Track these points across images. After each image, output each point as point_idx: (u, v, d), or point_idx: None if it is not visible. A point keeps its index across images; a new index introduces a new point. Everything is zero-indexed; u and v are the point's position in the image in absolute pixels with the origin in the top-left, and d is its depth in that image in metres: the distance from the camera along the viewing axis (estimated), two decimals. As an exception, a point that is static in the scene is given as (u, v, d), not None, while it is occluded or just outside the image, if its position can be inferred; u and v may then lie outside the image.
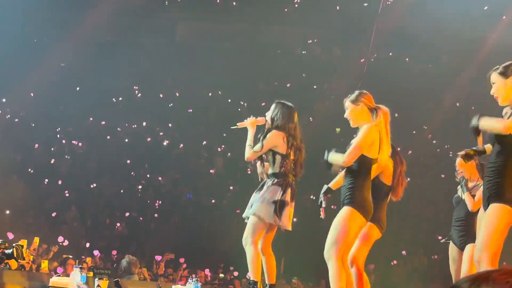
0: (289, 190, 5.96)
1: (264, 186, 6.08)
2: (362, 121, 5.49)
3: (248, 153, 6.05)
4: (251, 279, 5.96)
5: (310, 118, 19.28)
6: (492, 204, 4.27)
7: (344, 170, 5.41)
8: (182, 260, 13.78)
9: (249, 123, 6.17)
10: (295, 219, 6.62)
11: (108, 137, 19.23)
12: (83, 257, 12.24)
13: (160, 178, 18.27)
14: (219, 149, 19.26)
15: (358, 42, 19.88)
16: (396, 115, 19.93)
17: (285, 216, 5.93)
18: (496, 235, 4.20)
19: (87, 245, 14.83)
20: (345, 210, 5.21)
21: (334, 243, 5.12)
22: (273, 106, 6.21)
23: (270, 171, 6.09)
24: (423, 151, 19.16)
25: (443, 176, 17.34)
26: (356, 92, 5.65)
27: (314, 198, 16.53)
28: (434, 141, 19.81)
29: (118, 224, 16.56)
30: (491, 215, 4.25)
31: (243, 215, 6.11)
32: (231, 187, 17.93)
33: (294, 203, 6.07)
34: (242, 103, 20.58)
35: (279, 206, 5.89)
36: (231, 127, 6.47)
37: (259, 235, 5.94)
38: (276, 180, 5.96)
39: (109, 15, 19.77)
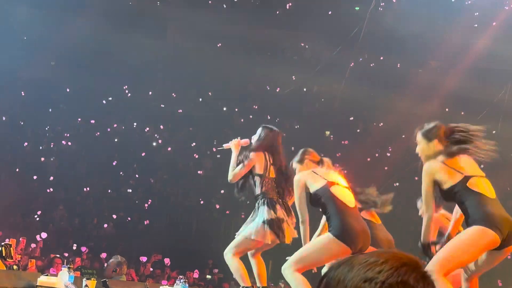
0: (278, 207, 5.99)
1: (257, 210, 6.16)
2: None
3: (231, 174, 6.11)
4: (242, 285, 6.00)
5: (296, 123, 19.31)
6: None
7: None
8: (167, 261, 13.75)
9: (234, 145, 6.23)
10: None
11: (97, 134, 19.19)
12: (66, 254, 12.22)
13: (149, 179, 18.25)
14: (208, 151, 19.26)
15: (349, 46, 19.92)
16: (386, 119, 20.10)
17: (284, 232, 5.98)
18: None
19: (74, 245, 14.78)
20: None
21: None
22: (259, 129, 6.27)
23: (255, 193, 6.17)
24: (411, 156, 19.21)
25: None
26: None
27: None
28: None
29: (106, 225, 16.52)
30: None
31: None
32: (222, 191, 17.93)
33: (293, 214, 6.07)
34: (232, 104, 20.59)
35: (276, 225, 5.92)
36: (218, 148, 6.57)
37: (243, 251, 6.01)
38: (261, 201, 6.02)
39: (100, 15, 19.75)
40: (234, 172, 6.08)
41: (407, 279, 1.36)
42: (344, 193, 5.37)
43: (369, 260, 1.39)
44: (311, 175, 5.38)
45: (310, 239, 5.53)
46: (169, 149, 19.32)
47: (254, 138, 6.25)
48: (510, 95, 17.11)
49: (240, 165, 6.08)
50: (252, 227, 5.91)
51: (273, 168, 6.08)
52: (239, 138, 6.36)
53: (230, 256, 5.95)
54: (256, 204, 6.07)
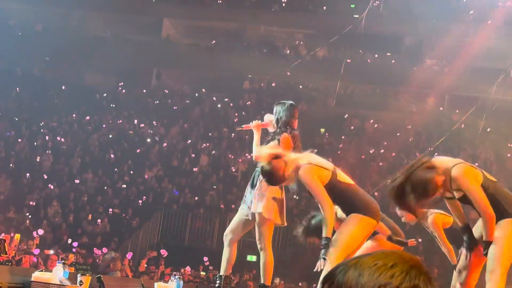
0: (283, 188, 5.94)
1: (257, 181, 5.99)
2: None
3: (258, 152, 5.94)
4: (262, 283, 5.95)
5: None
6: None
7: None
8: (164, 256, 13.74)
9: (254, 126, 6.12)
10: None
11: (92, 130, 19.17)
12: (60, 251, 12.20)
13: (143, 175, 18.24)
14: (203, 147, 19.26)
15: (344, 43, 19.95)
16: (381, 117, 20.13)
17: (284, 213, 5.93)
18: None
19: (69, 240, 14.76)
20: None
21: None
22: (274, 108, 6.15)
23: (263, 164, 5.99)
24: (405, 153, 19.26)
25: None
26: None
27: (297, 198, 16.58)
28: (416, 143, 19.93)
29: (99, 220, 16.50)
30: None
31: (242, 212, 6.02)
32: (214, 186, 17.94)
33: None
34: (226, 101, 20.59)
35: (281, 205, 5.87)
36: (237, 128, 6.45)
37: (271, 235, 5.92)
38: None
39: (95, 11, 19.73)
40: (263, 153, 5.89)
41: (418, 283, 1.40)
42: (342, 174, 5.37)
43: (378, 264, 1.41)
44: (317, 168, 5.30)
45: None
46: (164, 145, 19.32)
47: (274, 118, 6.09)
48: (502, 92, 17.13)
49: (272, 144, 5.88)
50: (263, 205, 5.75)
51: (295, 149, 5.95)
52: (257, 120, 6.24)
53: (265, 248, 5.87)
54: (262, 176, 5.90)
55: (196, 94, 20.73)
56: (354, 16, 19.13)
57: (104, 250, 12.68)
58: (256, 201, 5.83)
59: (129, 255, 12.44)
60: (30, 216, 15.81)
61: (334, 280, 1.43)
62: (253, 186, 5.95)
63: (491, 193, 4.56)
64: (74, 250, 13.23)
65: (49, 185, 17.09)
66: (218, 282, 6.04)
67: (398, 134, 19.71)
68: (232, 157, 18.56)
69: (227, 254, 6.02)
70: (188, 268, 13.29)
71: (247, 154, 17.49)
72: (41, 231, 13.15)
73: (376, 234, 5.84)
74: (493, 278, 4.48)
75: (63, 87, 19.43)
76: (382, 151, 18.45)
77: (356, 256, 1.47)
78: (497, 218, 4.55)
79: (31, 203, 16.32)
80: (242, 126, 6.35)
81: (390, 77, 19.07)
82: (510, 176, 18.23)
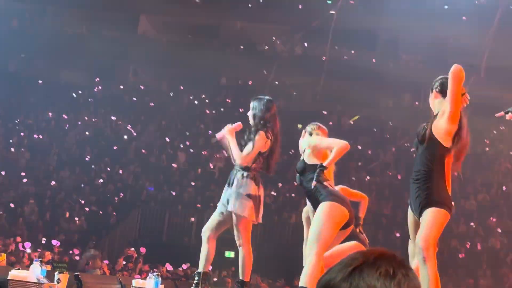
0: (261, 185, 5.94)
1: (234, 179, 5.99)
2: None
3: (239, 158, 5.90)
4: (240, 279, 5.98)
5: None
6: (427, 209, 4.47)
7: None
8: (142, 254, 13.71)
9: (227, 132, 6.05)
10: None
11: (69, 128, 19.05)
12: (37, 248, 12.14)
13: (120, 172, 18.17)
14: (181, 145, 19.22)
15: (321, 39, 20.01)
16: (359, 113, 20.23)
17: (260, 211, 5.94)
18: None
19: (45, 239, 14.66)
20: None
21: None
22: (251, 103, 6.11)
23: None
24: (382, 149, 19.40)
25: (399, 176, 17.61)
26: None
27: (275, 194, 16.62)
28: (393, 138, 20.08)
29: (77, 219, 16.41)
30: (429, 219, 4.49)
31: (219, 210, 6.02)
32: (192, 183, 17.92)
33: None
34: (203, 98, 20.55)
35: (258, 203, 5.87)
36: (212, 141, 6.44)
37: (249, 232, 5.93)
38: (247, 173, 5.86)
39: (70, 7, 19.58)
40: (244, 154, 5.88)
41: (407, 272, 1.49)
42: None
43: (381, 271, 1.48)
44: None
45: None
46: (141, 142, 19.27)
47: (250, 114, 6.05)
48: (476, 88, 17.30)
49: (249, 145, 5.87)
50: (239, 204, 5.74)
51: (272, 145, 5.94)
52: (228, 124, 6.18)
53: (244, 245, 5.89)
54: (239, 174, 5.90)
55: (172, 92, 20.67)
56: (331, 12, 19.20)
57: (82, 248, 12.63)
58: (233, 199, 5.85)
59: (105, 262, 12.32)
60: (7, 214, 15.67)
61: (333, 285, 1.48)
62: (230, 185, 5.96)
63: None
64: (53, 248, 13.14)
65: (26, 183, 16.96)
66: (196, 278, 6.05)
67: (374, 129, 19.84)
68: (210, 154, 18.56)
69: (205, 251, 6.03)
70: (166, 265, 13.27)
71: (224, 151, 17.49)
72: (18, 231, 13.04)
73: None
74: None
75: (39, 84, 19.26)
76: (359, 147, 18.55)
77: (351, 257, 1.50)
78: None
79: (7, 201, 16.18)
80: (216, 136, 6.28)
81: (366, 73, 19.15)
82: (486, 171, 18.46)
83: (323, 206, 5.17)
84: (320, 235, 5.08)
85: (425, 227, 4.50)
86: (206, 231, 6.03)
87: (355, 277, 1.47)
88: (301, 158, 5.53)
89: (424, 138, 4.62)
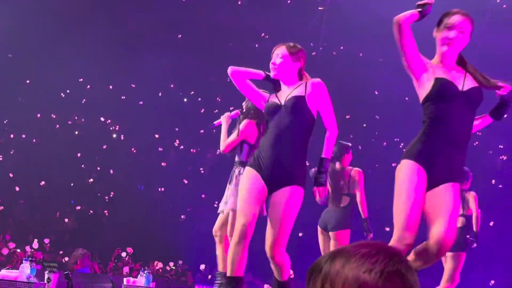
0: None
1: (232, 177, 6.03)
2: None
3: (223, 145, 5.97)
4: (220, 271, 5.97)
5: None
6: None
7: None
8: (130, 250, 13.68)
9: (223, 118, 6.13)
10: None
11: (58, 127, 18.98)
12: (28, 249, 12.08)
13: (111, 171, 18.13)
14: (172, 143, 19.20)
15: (310, 35, 20.00)
16: (347, 108, 20.24)
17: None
18: None
19: (36, 239, 14.61)
20: None
21: None
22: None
23: (237, 159, 6.06)
24: (372, 143, 19.45)
25: (394, 164, 17.62)
26: None
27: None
28: (382, 134, 20.11)
29: (67, 220, 16.37)
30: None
31: (219, 210, 6.05)
32: (185, 180, 17.90)
33: None
34: (193, 96, 20.51)
35: None
36: (209, 127, 6.48)
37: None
38: (243, 169, 5.87)
39: (57, 4, 19.48)
40: (226, 142, 5.94)
41: (400, 268, 1.51)
42: None
43: (362, 251, 1.51)
44: None
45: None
46: (131, 141, 19.21)
47: (244, 104, 6.12)
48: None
49: (234, 133, 5.94)
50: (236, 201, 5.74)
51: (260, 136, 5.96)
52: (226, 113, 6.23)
53: (222, 239, 5.89)
54: (236, 170, 5.92)
55: (161, 92, 20.62)
56: (319, 8, 19.20)
57: (72, 247, 12.59)
58: (232, 197, 5.87)
59: (102, 252, 12.33)
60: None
61: (321, 269, 1.51)
62: (230, 183, 6.01)
63: None
64: (43, 248, 13.11)
65: (15, 184, 16.89)
66: (218, 279, 6.05)
67: (364, 125, 19.87)
68: (200, 152, 18.54)
69: (221, 251, 6.07)
70: (158, 263, 13.27)
71: (216, 150, 17.48)
72: (8, 232, 12.99)
73: None
74: None
75: (27, 84, 19.16)
76: (349, 144, 18.56)
77: (340, 247, 1.56)
78: None
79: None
80: (214, 123, 6.36)
81: (356, 68, 19.17)
82: (472, 162, 18.51)
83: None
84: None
85: None
86: (217, 231, 6.09)
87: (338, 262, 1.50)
88: None
89: None
